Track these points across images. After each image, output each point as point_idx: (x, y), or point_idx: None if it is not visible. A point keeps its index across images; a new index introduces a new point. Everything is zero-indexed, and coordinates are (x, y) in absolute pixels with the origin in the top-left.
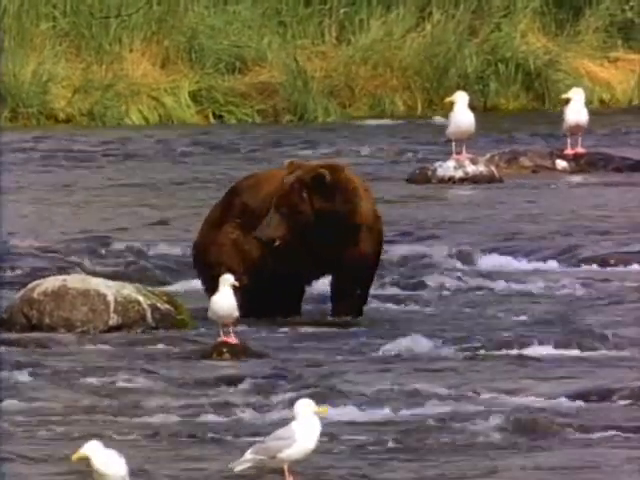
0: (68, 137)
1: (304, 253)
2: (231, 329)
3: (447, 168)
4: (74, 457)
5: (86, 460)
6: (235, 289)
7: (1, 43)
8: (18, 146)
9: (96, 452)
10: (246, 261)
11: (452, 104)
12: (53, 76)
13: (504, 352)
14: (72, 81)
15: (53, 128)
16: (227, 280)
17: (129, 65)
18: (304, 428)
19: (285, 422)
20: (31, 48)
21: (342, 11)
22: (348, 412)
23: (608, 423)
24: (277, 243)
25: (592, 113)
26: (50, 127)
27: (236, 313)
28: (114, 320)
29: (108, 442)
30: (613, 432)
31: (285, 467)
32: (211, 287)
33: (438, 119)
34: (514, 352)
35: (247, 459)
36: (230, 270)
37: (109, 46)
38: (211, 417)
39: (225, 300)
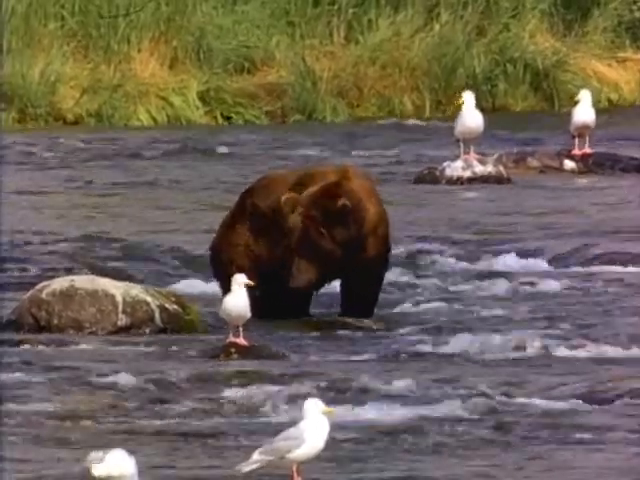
0: (76, 138)
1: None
2: (240, 330)
3: (455, 168)
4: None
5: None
6: (248, 288)
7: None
8: (26, 147)
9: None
10: (255, 263)
11: (460, 105)
12: (61, 76)
13: (505, 352)
14: (80, 81)
15: (61, 129)
16: (240, 280)
17: (137, 65)
18: (313, 428)
19: (293, 423)
20: (39, 48)
21: (350, 11)
22: (356, 412)
23: (609, 423)
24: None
25: (600, 113)
26: (58, 128)
27: (248, 314)
28: (122, 321)
29: (116, 442)
30: (614, 432)
31: (294, 467)
32: (227, 287)
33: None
34: (515, 352)
35: (255, 460)
36: (241, 270)
37: (117, 46)
38: (219, 418)
39: (238, 300)
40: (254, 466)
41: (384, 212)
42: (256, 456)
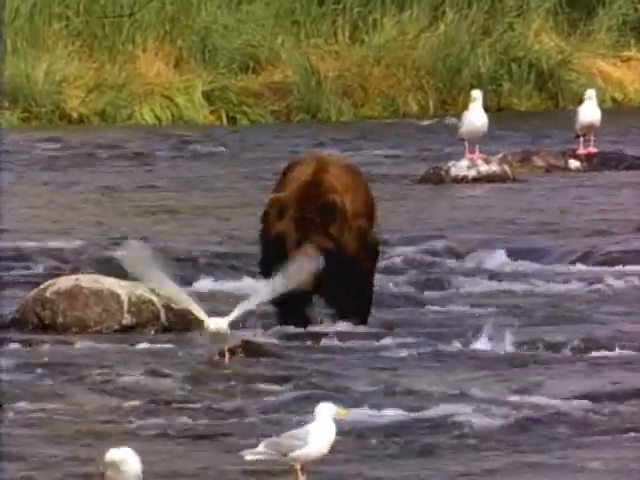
0: (81, 137)
1: None
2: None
3: (460, 168)
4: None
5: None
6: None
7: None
8: (31, 146)
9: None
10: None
11: (468, 103)
12: (66, 76)
13: (507, 352)
14: (85, 81)
15: (66, 128)
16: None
17: (142, 65)
18: (319, 432)
19: (298, 422)
20: (44, 48)
21: (355, 10)
22: (356, 412)
23: (610, 424)
24: None
25: (604, 112)
26: (63, 127)
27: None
28: (127, 320)
29: (120, 441)
30: (615, 433)
31: (297, 466)
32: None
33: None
34: (516, 352)
35: (260, 451)
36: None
37: (122, 46)
38: (223, 418)
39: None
40: (258, 457)
41: (358, 209)
42: (261, 447)
